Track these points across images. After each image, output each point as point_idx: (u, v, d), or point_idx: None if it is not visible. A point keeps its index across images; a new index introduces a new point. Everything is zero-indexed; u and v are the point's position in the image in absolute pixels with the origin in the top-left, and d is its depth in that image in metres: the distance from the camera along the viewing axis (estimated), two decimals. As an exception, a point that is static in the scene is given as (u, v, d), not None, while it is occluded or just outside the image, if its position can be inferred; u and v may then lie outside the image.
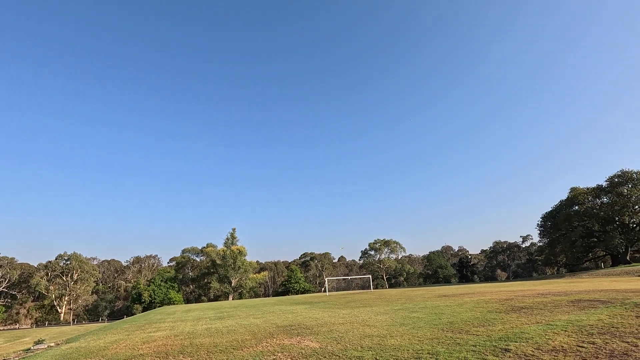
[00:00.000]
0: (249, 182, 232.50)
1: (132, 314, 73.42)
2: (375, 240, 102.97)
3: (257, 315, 20.47)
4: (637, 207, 53.98)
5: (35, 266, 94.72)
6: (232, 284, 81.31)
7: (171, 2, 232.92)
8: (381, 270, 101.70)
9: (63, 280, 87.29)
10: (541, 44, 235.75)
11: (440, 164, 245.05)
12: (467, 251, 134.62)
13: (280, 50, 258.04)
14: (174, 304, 72.45)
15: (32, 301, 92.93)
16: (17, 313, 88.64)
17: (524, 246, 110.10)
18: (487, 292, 24.40)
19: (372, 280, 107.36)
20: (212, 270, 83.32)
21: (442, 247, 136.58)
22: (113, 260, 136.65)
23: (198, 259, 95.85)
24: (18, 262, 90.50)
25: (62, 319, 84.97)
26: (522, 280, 60.06)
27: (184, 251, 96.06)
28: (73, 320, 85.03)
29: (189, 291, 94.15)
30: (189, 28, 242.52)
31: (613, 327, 8.25)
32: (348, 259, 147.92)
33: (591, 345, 6.81)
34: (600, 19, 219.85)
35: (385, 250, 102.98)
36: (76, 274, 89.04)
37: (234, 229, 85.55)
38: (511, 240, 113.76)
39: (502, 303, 15.65)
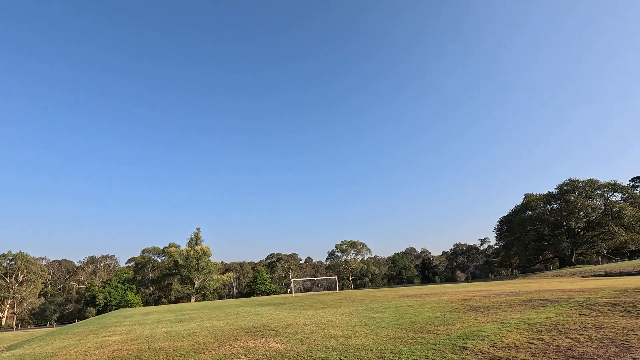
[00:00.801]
0: (215, 184, 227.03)
1: (85, 318, 69.02)
2: (342, 242, 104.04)
3: (220, 317, 19.97)
4: (582, 213, 58.51)
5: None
6: (195, 286, 78.82)
7: (166, 11, 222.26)
8: (347, 272, 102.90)
9: (6, 282, 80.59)
10: (499, 65, 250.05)
11: (411, 171, 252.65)
12: (430, 253, 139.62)
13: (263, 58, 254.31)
14: (132, 306, 69.03)
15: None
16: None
17: (482, 248, 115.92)
18: (447, 293, 25.38)
19: (338, 281, 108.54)
20: (174, 271, 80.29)
21: (406, 248, 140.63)
22: (65, 260, 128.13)
23: (159, 260, 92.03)
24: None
25: (3, 323, 78.39)
26: (480, 281, 63.21)
27: (144, 251, 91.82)
28: (17, 325, 78.59)
29: (148, 293, 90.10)
30: (181, 37, 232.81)
31: (559, 325, 8.88)
32: (315, 260, 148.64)
33: (540, 342, 7.28)
34: (557, 41, 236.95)
35: (352, 251, 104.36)
36: (22, 275, 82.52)
37: (198, 229, 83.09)
38: (470, 243, 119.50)
39: (461, 303, 16.34)
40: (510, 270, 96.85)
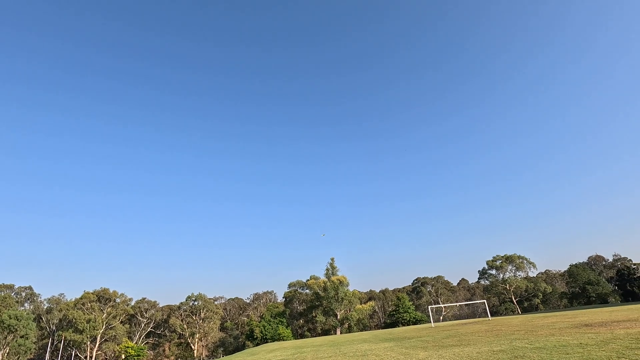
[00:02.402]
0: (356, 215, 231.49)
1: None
2: (494, 257, 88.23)
3: (324, 357, 17.13)
4: None
5: (177, 306, 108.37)
6: (338, 317, 78.29)
7: (181, 18, 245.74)
8: (509, 292, 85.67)
9: (193, 319, 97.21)
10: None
11: (575, 154, 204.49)
12: (630, 260, 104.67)
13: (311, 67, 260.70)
14: (283, 339, 72.80)
15: (177, 339, 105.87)
16: (164, 350, 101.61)
17: None
18: (659, 318, 16.24)
19: (500, 304, 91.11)
20: (316, 304, 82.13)
21: (589, 257, 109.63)
22: (237, 298, 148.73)
23: (304, 293, 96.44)
24: (159, 305, 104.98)
25: (195, 355, 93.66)
26: None
27: (290, 285, 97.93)
28: (207, 356, 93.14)
29: (299, 326, 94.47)
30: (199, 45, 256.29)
31: None
32: (470, 281, 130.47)
33: None
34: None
35: (509, 267, 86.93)
36: (203, 313, 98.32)
37: (332, 259, 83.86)
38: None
39: (683, 340, 9.22)
40: None
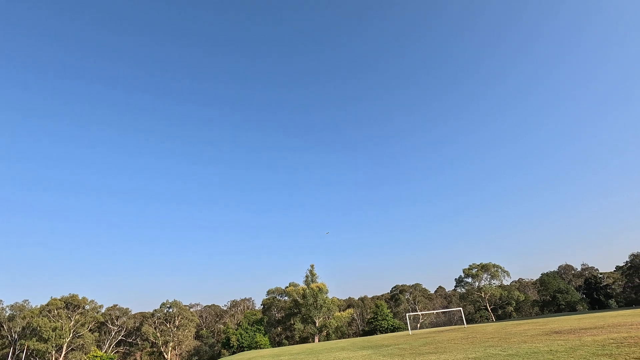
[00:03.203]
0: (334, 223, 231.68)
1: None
2: (470, 266, 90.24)
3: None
4: None
5: (151, 313, 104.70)
6: (317, 324, 77.75)
7: (189, 30, 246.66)
8: (484, 300, 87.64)
9: (167, 327, 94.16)
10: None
11: (546, 168, 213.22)
12: (596, 270, 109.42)
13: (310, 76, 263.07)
14: (261, 347, 71.57)
15: (149, 348, 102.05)
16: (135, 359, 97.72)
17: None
18: (623, 325, 17.00)
19: (475, 312, 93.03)
20: (295, 311, 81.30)
21: (559, 266, 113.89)
22: (214, 305, 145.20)
23: (283, 300, 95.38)
24: (132, 312, 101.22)
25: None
26: (685, 302, 44.63)
27: (268, 292, 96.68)
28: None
29: (276, 333, 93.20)
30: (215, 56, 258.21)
31: None
32: (448, 289, 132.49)
33: None
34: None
35: (485, 275, 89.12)
36: (177, 320, 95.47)
37: (312, 266, 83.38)
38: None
39: (644, 347, 9.67)
40: None
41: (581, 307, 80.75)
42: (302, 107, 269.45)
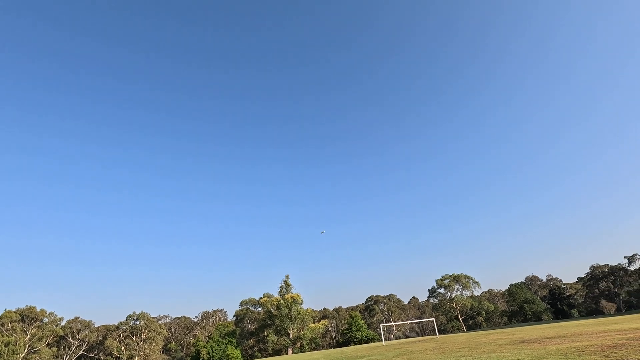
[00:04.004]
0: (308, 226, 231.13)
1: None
2: (442, 277, 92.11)
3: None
4: None
5: (116, 326, 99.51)
6: (290, 336, 76.53)
7: (185, 44, 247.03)
8: (455, 311, 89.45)
9: (133, 340, 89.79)
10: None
11: (514, 183, 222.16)
12: (560, 280, 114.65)
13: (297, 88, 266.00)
14: (232, 360, 69.52)
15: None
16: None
17: (632, 269, 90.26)
18: (585, 334, 17.80)
19: (447, 322, 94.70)
20: (269, 322, 79.77)
21: (526, 277, 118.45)
22: (184, 317, 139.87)
23: (256, 311, 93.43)
24: (95, 325, 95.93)
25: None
26: (638, 312, 47.33)
27: (242, 303, 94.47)
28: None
29: (249, 345, 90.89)
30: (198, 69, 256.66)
31: None
32: (421, 300, 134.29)
33: None
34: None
35: (457, 286, 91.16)
36: (144, 333, 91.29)
37: (287, 276, 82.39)
38: (614, 263, 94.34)
39: (605, 356, 10.14)
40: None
41: (546, 317, 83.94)
42: (274, 120, 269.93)
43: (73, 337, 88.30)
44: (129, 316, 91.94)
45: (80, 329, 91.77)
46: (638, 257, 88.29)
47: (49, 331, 79.37)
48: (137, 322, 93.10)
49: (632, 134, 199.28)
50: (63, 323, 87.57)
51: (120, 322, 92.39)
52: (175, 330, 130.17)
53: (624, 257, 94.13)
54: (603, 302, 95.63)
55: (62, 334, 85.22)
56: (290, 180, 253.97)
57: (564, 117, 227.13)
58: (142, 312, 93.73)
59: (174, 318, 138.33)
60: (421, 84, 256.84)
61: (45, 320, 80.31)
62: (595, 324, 26.19)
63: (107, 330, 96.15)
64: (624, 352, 10.08)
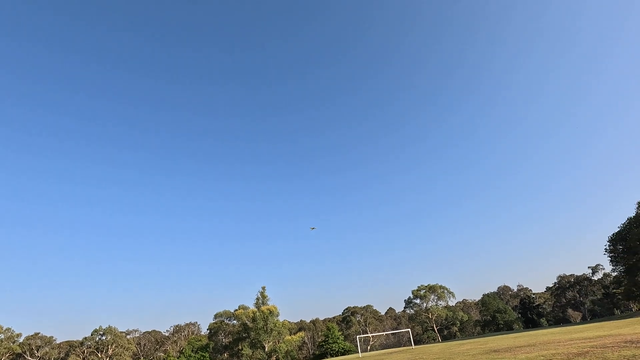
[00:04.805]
0: (286, 237, 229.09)
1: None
2: (418, 287, 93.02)
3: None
4: None
5: (80, 341, 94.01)
6: (266, 349, 74.66)
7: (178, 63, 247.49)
8: (431, 321, 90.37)
9: (98, 357, 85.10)
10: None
11: (486, 197, 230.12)
12: (530, 290, 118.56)
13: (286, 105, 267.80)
14: (204, 376, 66.93)
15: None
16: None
17: (596, 278, 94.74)
18: (553, 343, 18.38)
19: (423, 333, 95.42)
20: (244, 335, 77.61)
21: (499, 287, 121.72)
22: (154, 331, 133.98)
23: (231, 323, 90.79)
24: (57, 341, 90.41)
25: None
26: (602, 320, 49.44)
27: (216, 316, 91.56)
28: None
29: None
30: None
31: None
32: (397, 310, 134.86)
33: None
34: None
35: (432, 297, 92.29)
36: (111, 349, 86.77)
37: (263, 287, 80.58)
38: (579, 273, 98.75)
39: (570, 363, 10.50)
40: (643, 302, 76.31)
41: (517, 326, 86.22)
42: (256, 136, 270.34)
43: (32, 355, 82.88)
44: (95, 331, 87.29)
45: (40, 346, 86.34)
46: (601, 267, 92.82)
47: (5, 348, 74.21)
48: (104, 337, 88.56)
49: (594, 152, 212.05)
50: (21, 339, 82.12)
51: (85, 338, 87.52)
52: (145, 345, 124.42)
53: (588, 267, 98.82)
54: (570, 311, 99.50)
55: (20, 351, 79.84)
56: (270, 192, 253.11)
57: (530, 137, 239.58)
58: (109, 326, 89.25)
59: (144, 332, 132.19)
60: (398, 106, 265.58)
61: (1, 336, 75.06)
62: (562, 333, 27.12)
63: (70, 346, 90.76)
64: (588, 359, 10.46)
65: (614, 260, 59.36)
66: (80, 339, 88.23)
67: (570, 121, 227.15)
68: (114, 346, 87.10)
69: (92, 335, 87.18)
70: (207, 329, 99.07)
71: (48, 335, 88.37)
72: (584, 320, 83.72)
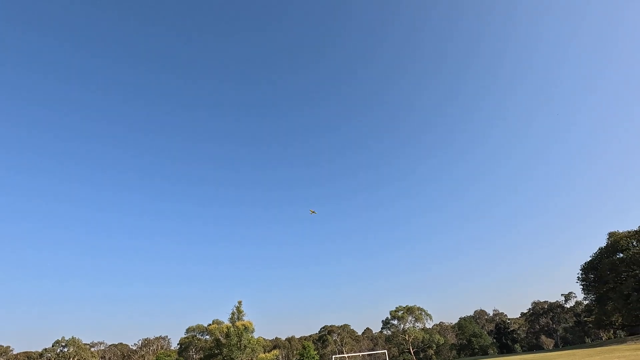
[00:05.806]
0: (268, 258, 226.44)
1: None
2: (396, 308, 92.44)
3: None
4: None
5: (39, 353, 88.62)
6: (238, 367, 72.07)
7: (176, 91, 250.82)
8: (407, 343, 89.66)
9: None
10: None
11: (468, 227, 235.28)
12: (505, 315, 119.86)
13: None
14: (172, 394, 63.79)
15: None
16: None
17: (568, 306, 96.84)
18: (525, 370, 18.46)
19: (399, 355, 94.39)
20: (216, 352, 74.79)
21: (475, 311, 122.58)
22: (120, 344, 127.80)
23: (204, 339, 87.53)
24: (14, 352, 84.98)
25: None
26: (573, 348, 50.27)
27: (188, 330, 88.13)
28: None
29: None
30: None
31: None
32: (375, 331, 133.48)
33: None
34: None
35: (410, 318, 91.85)
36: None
37: (239, 302, 78.30)
38: (552, 300, 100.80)
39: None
40: (612, 331, 78.24)
41: (492, 351, 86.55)
42: (246, 163, 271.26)
43: (-16, 366, 77.49)
44: (57, 342, 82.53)
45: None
46: (573, 295, 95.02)
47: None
48: (65, 349, 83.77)
49: (571, 189, 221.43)
50: (-26, 349, 76.87)
51: (45, 349, 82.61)
52: (110, 359, 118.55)
53: (561, 294, 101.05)
54: (543, 337, 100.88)
55: (-29, 361, 74.54)
56: (253, 205, 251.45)
57: (516, 170, 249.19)
58: (72, 337, 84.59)
59: (110, 345, 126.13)
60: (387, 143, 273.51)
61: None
62: (535, 359, 27.34)
63: (28, 357, 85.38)
64: (560, 388, 10.54)
65: (585, 289, 60.93)
66: (40, 350, 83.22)
67: (549, 159, 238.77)
68: (76, 359, 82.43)
69: (53, 346, 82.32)
70: (178, 344, 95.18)
71: (4, 345, 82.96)
72: (556, 348, 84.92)
